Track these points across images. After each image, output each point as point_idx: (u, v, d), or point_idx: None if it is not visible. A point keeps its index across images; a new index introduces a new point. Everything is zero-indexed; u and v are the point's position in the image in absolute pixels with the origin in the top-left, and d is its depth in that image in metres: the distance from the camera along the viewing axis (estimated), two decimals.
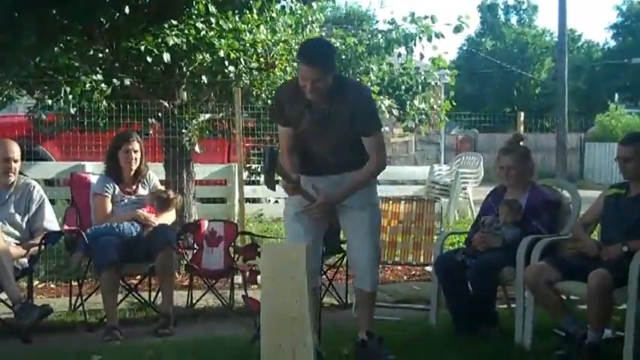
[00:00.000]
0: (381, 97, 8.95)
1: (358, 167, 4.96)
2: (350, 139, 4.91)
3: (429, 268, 7.23)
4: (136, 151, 6.52)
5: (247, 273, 6.61)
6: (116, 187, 6.51)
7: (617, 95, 35.51)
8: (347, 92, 4.87)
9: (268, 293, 4.40)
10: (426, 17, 8.83)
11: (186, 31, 7.59)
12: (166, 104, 8.10)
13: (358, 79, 8.79)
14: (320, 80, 4.72)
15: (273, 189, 4.85)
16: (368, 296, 5.18)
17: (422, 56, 9.33)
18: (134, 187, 6.61)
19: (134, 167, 6.54)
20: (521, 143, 6.29)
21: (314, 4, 9.01)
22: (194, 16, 7.76)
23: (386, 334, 5.32)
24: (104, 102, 7.53)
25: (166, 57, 7.39)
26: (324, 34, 9.38)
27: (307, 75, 4.72)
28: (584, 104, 40.02)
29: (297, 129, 4.98)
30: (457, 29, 8.84)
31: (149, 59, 7.44)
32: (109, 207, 6.46)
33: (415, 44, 8.85)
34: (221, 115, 8.65)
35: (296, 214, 5.02)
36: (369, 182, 5.07)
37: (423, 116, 9.57)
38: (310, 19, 9.08)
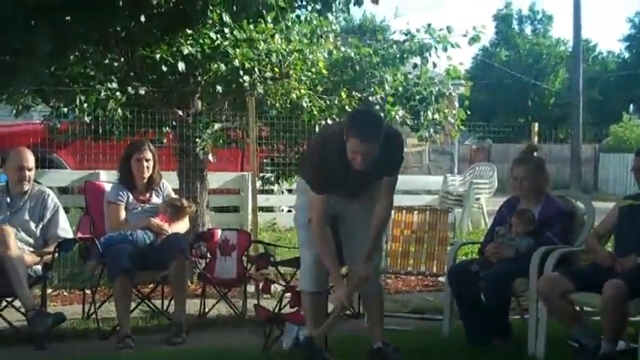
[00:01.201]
0: (396, 107, 8.94)
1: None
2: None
3: (442, 279, 7.23)
4: (147, 160, 6.54)
5: (261, 283, 6.60)
6: (130, 195, 6.53)
7: (632, 106, 35.38)
8: (386, 143, 4.82)
9: None
10: (441, 29, 8.82)
11: (200, 41, 7.62)
12: (181, 113, 8.12)
13: (372, 90, 8.79)
14: (372, 153, 4.74)
15: None
16: (376, 300, 5.33)
17: (434, 65, 9.31)
18: (147, 195, 6.63)
19: (146, 176, 6.56)
20: (535, 154, 6.28)
21: (329, 15, 9.02)
22: (209, 26, 7.78)
23: (398, 344, 5.31)
24: (119, 110, 7.56)
25: (181, 66, 7.42)
26: (339, 43, 9.38)
27: (361, 151, 4.71)
28: (599, 115, 39.88)
29: (334, 182, 5.01)
30: (473, 40, 8.82)
31: (164, 68, 7.48)
32: (123, 215, 6.48)
33: (430, 54, 8.84)
34: (235, 124, 8.67)
35: (309, 221, 5.07)
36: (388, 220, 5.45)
37: (438, 126, 9.55)
38: (326, 29, 9.09)
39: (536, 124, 11.29)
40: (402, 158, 5.23)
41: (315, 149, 5.32)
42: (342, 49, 9.21)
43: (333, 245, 5.03)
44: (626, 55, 47.65)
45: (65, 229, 6.43)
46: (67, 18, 7.32)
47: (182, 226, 6.61)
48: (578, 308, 5.46)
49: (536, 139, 10.91)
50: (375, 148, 4.71)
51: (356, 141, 4.69)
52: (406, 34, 9.04)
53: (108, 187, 6.83)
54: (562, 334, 5.41)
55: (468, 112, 9.86)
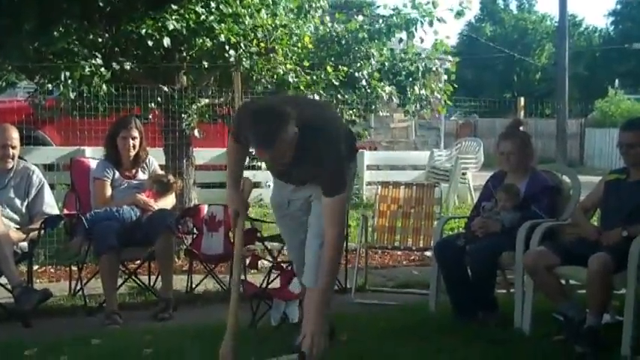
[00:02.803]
0: (382, 83, 8.95)
1: None
2: None
3: (428, 253, 7.25)
4: (134, 138, 6.51)
5: (248, 259, 6.60)
6: (116, 171, 6.51)
7: (617, 81, 35.46)
8: (311, 148, 4.17)
9: None
10: (427, 3, 8.82)
11: (186, 16, 7.57)
12: (166, 89, 8.08)
13: (358, 65, 8.79)
14: (281, 157, 4.20)
15: None
16: (314, 295, 4.34)
17: (422, 40, 9.33)
18: (134, 171, 6.61)
19: (132, 153, 6.54)
20: (521, 128, 6.28)
21: None
22: (194, 1, 7.73)
23: (385, 319, 5.32)
24: (104, 87, 7.51)
25: (166, 41, 7.37)
26: (327, 18, 9.35)
27: (265, 157, 4.35)
28: (584, 90, 39.98)
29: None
30: (459, 14, 8.83)
31: (149, 43, 7.42)
32: (109, 191, 6.46)
33: (416, 29, 8.84)
34: (221, 99, 8.64)
35: (281, 217, 4.89)
36: (338, 258, 4.32)
37: (425, 102, 9.57)
38: (314, 5, 9.04)
39: (522, 99, 11.36)
40: (336, 175, 4.22)
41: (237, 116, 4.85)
42: (329, 24, 9.19)
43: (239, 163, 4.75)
44: (611, 29, 47.72)
45: (51, 205, 6.41)
46: None
47: (168, 202, 6.60)
48: (564, 282, 5.49)
49: (522, 113, 10.96)
50: (271, 153, 4.11)
51: (256, 150, 4.19)
52: (393, 10, 9.03)
53: (93, 163, 6.80)
54: (548, 307, 5.44)
55: (455, 86, 9.86)
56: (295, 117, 4.04)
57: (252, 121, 4.11)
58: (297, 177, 4.50)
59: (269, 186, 12.68)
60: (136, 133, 6.52)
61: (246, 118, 4.25)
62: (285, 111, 4.03)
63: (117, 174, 6.51)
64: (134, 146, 6.52)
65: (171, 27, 7.38)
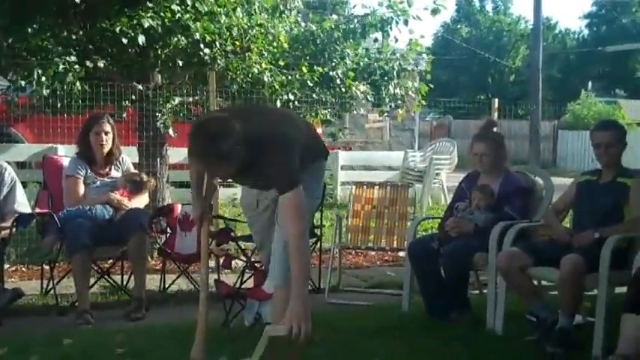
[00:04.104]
0: (357, 82, 8.96)
1: None
2: None
3: (402, 254, 7.26)
4: (106, 133, 6.46)
5: (222, 258, 6.58)
6: (88, 169, 6.46)
7: (590, 83, 35.73)
8: (256, 164, 4.17)
9: None
10: (402, 2, 8.83)
11: (161, 14, 7.53)
12: (140, 87, 8.04)
13: (333, 64, 8.80)
14: (220, 170, 4.29)
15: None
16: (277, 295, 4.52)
17: (396, 39, 9.34)
18: (107, 169, 6.56)
19: (105, 149, 6.48)
20: (494, 129, 6.31)
21: None
22: None
23: (358, 319, 5.32)
24: (77, 84, 7.46)
25: (141, 39, 7.33)
26: (300, 18, 9.34)
27: (205, 170, 4.48)
28: (558, 92, 40.22)
29: None
30: (434, 12, 8.84)
31: (124, 41, 7.38)
32: (82, 189, 6.41)
33: (391, 28, 8.85)
34: (195, 98, 8.61)
35: (251, 217, 5.08)
36: (304, 245, 4.14)
37: (399, 101, 9.59)
38: (289, 6, 9.04)
39: (496, 100, 11.38)
40: (285, 173, 4.12)
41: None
42: (303, 24, 9.19)
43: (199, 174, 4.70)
44: (586, 32, 48.05)
45: (23, 203, 6.34)
46: None
47: (142, 200, 6.57)
48: (536, 282, 5.52)
49: (496, 115, 10.98)
50: (217, 166, 4.13)
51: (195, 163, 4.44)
52: (367, 8, 9.06)
53: (66, 161, 6.75)
54: (520, 308, 5.46)
55: (431, 86, 9.88)
56: (239, 134, 4.00)
57: (191, 133, 4.12)
58: (253, 185, 4.69)
59: None
60: (108, 128, 6.46)
61: (191, 130, 4.23)
62: (226, 128, 4.01)
63: (89, 171, 6.46)
64: (106, 141, 6.46)
65: (146, 25, 7.33)
